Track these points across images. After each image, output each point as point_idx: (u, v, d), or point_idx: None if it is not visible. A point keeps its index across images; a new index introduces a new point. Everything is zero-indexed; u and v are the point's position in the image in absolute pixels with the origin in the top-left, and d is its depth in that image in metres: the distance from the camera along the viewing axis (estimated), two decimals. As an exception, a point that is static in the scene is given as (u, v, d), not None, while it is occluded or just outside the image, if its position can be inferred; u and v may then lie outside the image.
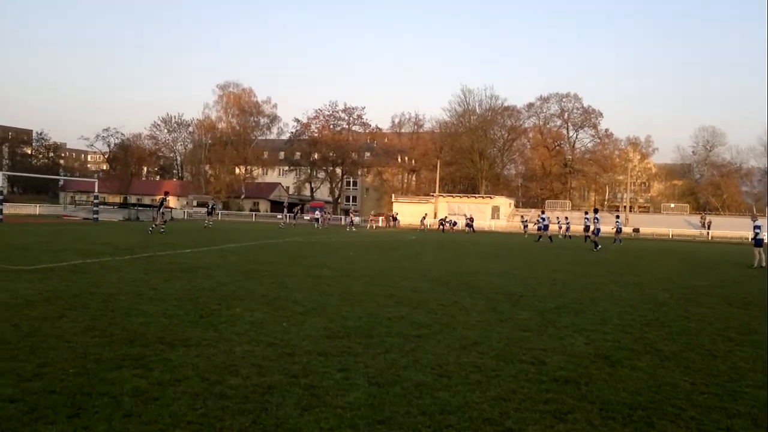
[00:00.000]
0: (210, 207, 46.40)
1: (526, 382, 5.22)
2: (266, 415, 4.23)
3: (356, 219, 66.97)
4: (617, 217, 41.48)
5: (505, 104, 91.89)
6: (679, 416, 4.49)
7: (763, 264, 18.75)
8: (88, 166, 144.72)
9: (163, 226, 28.58)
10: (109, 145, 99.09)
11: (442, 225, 56.13)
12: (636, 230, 64.82)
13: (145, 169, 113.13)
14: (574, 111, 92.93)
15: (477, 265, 16.47)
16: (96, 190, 44.09)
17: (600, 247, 27.06)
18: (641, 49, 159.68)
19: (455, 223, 58.95)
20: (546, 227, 36.19)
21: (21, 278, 10.24)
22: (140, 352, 5.77)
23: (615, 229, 37.53)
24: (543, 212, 40.29)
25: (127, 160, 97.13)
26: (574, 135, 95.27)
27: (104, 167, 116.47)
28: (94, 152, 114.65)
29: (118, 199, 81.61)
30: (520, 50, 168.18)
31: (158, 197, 34.03)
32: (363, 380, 5.12)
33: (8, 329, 6.47)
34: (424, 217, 58.72)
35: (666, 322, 8.35)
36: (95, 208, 42.37)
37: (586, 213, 30.42)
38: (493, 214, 70.27)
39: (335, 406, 4.46)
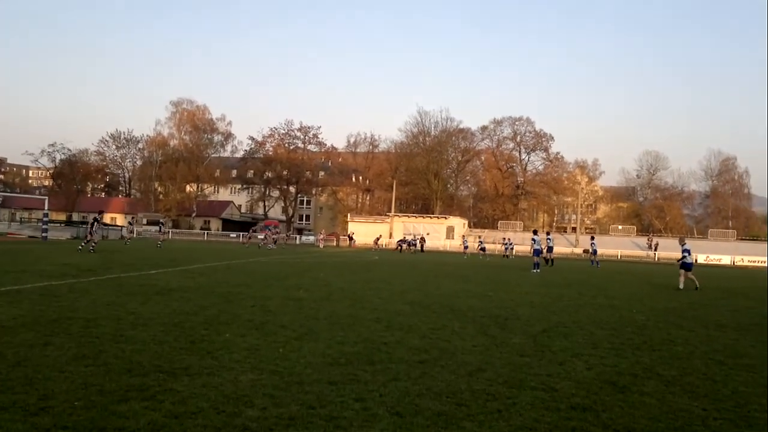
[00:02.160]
0: (160, 225, 45.65)
1: (545, 411, 5.20)
2: (298, 449, 4.09)
3: (311, 238, 66.68)
4: (592, 238, 42.30)
5: (460, 126, 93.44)
6: (704, 443, 4.54)
7: (681, 286, 19.03)
8: (30, 182, 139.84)
9: (93, 245, 27.65)
10: (54, 161, 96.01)
11: (400, 246, 56.30)
12: (586, 251, 66.32)
13: (91, 185, 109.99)
14: (527, 134, 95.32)
15: (451, 287, 16.49)
16: (46, 208, 42.45)
17: (538, 270, 27.03)
18: (591, 75, 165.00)
19: (414, 244, 58.82)
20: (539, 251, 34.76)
21: (-11, 302, 9.72)
22: (143, 382, 5.51)
23: (591, 252, 38.39)
24: (548, 233, 41.05)
25: (74, 177, 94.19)
26: (526, 157, 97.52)
27: (47, 183, 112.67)
28: (38, 168, 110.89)
29: (63, 217, 78.88)
30: (475, 73, 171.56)
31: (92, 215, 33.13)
32: (383, 410, 5.01)
33: (-7, 358, 6.10)
34: (378, 238, 58.94)
35: (654, 346, 8.50)
36: (44, 226, 40.81)
37: (534, 234, 29.85)
38: (447, 234, 70.83)
39: (365, 438, 4.34)
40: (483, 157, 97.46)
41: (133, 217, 58.30)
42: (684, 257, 19.81)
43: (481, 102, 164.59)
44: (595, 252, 38.49)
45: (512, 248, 49.88)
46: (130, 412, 4.65)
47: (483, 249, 46.51)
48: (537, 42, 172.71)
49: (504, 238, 51.55)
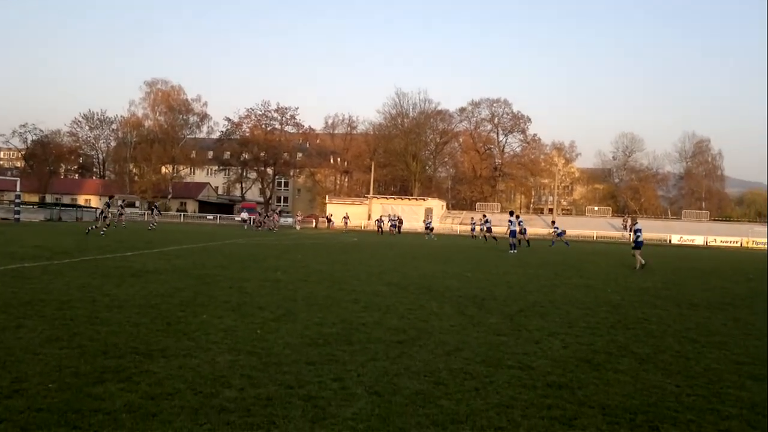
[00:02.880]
0: (153, 208, 44.49)
1: (521, 388, 5.26)
2: (276, 429, 4.08)
3: (290, 220, 66.21)
4: (553, 222, 42.67)
5: (438, 108, 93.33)
6: (677, 419, 4.62)
7: (640, 264, 19.31)
8: (1, 163, 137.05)
9: (104, 229, 27.69)
10: (26, 142, 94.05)
11: (380, 224, 55.84)
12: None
13: (64, 167, 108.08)
14: (504, 116, 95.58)
15: (428, 268, 16.56)
16: (18, 189, 41.66)
17: (515, 251, 27.14)
18: (566, 56, 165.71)
19: (394, 225, 57.30)
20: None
21: (-41, 284, 9.54)
22: (118, 363, 5.45)
23: (554, 233, 38.58)
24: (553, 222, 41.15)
25: (46, 158, 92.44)
26: (504, 139, 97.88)
27: (19, 164, 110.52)
28: (9, 149, 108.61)
29: (36, 198, 77.51)
30: (453, 55, 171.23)
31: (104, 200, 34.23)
32: (361, 390, 5.02)
33: (-36, 341, 5.99)
34: (346, 217, 58.67)
35: (629, 325, 8.63)
36: (17, 208, 40.08)
37: (511, 215, 29.63)
38: (426, 215, 70.99)
39: (343, 417, 4.34)
40: (461, 139, 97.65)
41: (123, 200, 56.62)
42: (637, 237, 20.19)
43: (459, 84, 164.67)
44: (561, 234, 38.92)
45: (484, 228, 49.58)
46: (105, 394, 4.60)
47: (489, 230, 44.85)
48: (516, 24, 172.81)
49: (472, 218, 51.67)
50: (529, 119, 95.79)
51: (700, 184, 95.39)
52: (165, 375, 5.18)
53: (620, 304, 10.73)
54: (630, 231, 19.53)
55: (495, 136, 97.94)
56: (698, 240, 65.46)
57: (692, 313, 9.99)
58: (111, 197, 34.89)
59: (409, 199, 76.18)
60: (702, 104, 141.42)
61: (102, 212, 29.22)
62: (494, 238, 37.47)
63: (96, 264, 13.79)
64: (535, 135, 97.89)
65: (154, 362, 5.57)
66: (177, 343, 6.39)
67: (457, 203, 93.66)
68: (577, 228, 68.80)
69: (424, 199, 75.53)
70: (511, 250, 26.83)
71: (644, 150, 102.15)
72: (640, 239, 20.19)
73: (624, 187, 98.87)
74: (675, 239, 65.30)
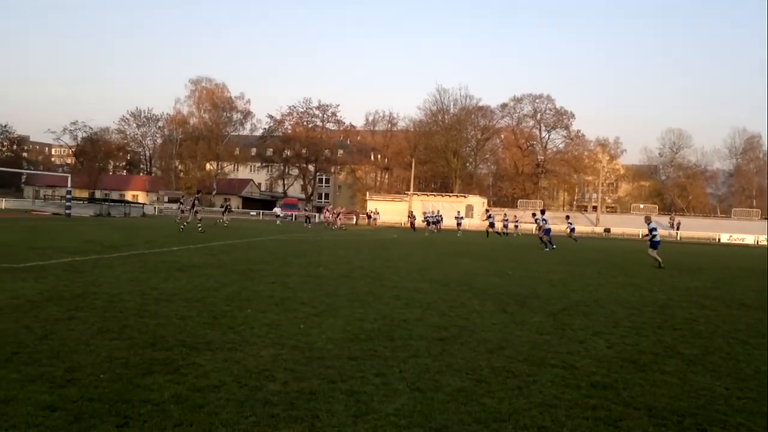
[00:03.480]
0: (227, 207, 43.06)
1: (565, 388, 5.20)
2: (320, 422, 4.13)
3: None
4: (567, 217, 41.74)
5: (479, 104, 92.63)
6: (727, 422, 4.51)
7: (661, 263, 18.84)
8: (53, 159, 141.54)
9: (186, 223, 29.42)
10: (76, 139, 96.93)
11: (428, 221, 52.37)
12: (607, 230, 65.89)
13: (113, 163, 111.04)
14: (547, 112, 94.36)
15: (470, 265, 16.47)
16: (69, 185, 43.00)
17: (555, 246, 26.71)
18: (612, 51, 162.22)
19: (437, 222, 51.13)
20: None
21: (17, 277, 9.90)
22: (166, 356, 5.59)
23: (568, 230, 37.43)
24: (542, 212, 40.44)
25: (96, 155, 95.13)
26: (546, 135, 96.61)
27: (69, 161, 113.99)
28: (60, 146, 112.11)
29: (85, 194, 79.83)
30: (495, 51, 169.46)
31: (189, 195, 35.40)
32: (403, 386, 5.04)
33: (21, 331, 6.23)
34: (371, 213, 57.48)
35: (676, 325, 8.44)
36: (68, 204, 41.35)
37: (534, 214, 29.02)
38: (467, 212, 70.57)
39: (385, 413, 4.37)
40: (503, 135, 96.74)
41: (197, 196, 55.94)
42: (653, 236, 19.60)
43: (500, 79, 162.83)
44: (572, 230, 38.09)
45: (509, 225, 48.59)
46: (154, 385, 4.73)
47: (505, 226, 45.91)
48: (558, 18, 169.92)
49: (505, 215, 50.77)
50: (573, 115, 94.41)
51: (750, 182, 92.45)
52: (211, 368, 5.30)
53: (667, 304, 10.49)
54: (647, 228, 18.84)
55: (537, 132, 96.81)
56: (749, 239, 63.48)
57: (742, 314, 9.70)
58: (199, 192, 36.28)
59: (449, 195, 75.85)
60: (752, 99, 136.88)
61: (193, 207, 30.43)
62: (497, 233, 37.04)
63: (144, 258, 14.15)
64: (578, 131, 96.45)
65: (200, 355, 5.70)
66: (223, 336, 6.52)
67: (498, 200, 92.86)
68: (621, 226, 67.50)
69: (464, 196, 75.09)
70: (546, 248, 26.50)
71: (692, 146, 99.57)
72: (656, 238, 19.60)
73: (671, 185, 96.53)
74: (724, 238, 63.47)
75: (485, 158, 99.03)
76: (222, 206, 41.88)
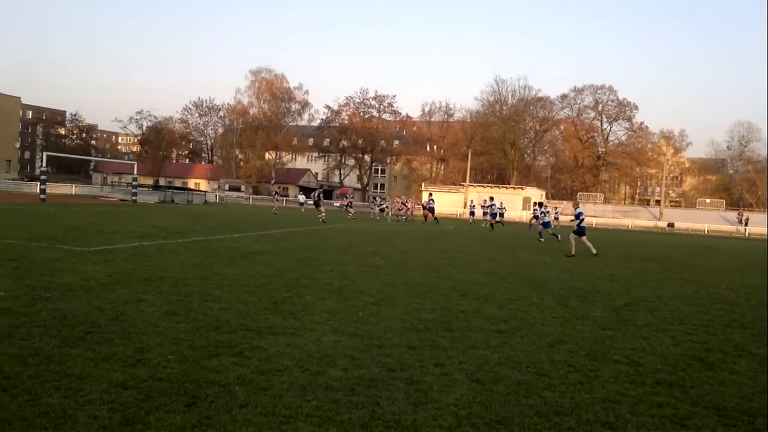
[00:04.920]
0: (317, 195, 36.27)
1: (629, 384, 5.08)
2: (380, 409, 4.16)
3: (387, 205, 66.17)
4: (555, 208, 40.17)
5: (539, 95, 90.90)
6: (802, 426, 4.32)
7: (573, 252, 17.86)
8: (119, 147, 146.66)
9: (324, 216, 31.22)
10: (141, 128, 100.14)
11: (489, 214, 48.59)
12: (671, 225, 63.78)
13: (176, 152, 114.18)
14: (609, 103, 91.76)
15: (528, 258, 16.25)
16: (135, 173, 44.55)
17: (559, 238, 25.03)
18: (678, 41, 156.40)
19: (496, 214, 42.76)
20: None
21: (87, 260, 10.33)
22: (230, 339, 5.74)
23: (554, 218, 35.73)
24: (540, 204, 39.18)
25: (160, 143, 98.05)
26: (608, 127, 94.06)
27: (134, 149, 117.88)
28: (126, 134, 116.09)
29: (150, 181, 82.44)
30: (554, 40, 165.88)
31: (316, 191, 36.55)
32: (462, 376, 5.03)
33: (93, 312, 6.50)
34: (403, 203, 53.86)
35: (746, 324, 8.13)
36: (134, 190, 42.86)
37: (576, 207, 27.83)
38: (524, 205, 69.58)
39: (445, 402, 4.37)
40: (562, 127, 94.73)
41: (280, 188, 54.60)
42: (579, 221, 18.56)
43: (561, 70, 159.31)
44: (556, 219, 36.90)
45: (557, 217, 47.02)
46: (220, 367, 4.86)
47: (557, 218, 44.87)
48: (620, 7, 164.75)
49: (556, 208, 49.37)
50: (636, 106, 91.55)
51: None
52: (274, 351, 5.41)
53: (736, 302, 10.11)
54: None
55: (598, 123, 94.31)
56: (824, 237, 60.25)
57: (819, 315, 9.25)
58: (321, 187, 37.71)
59: (506, 187, 74.90)
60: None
61: (317, 202, 32.83)
62: (500, 223, 35.91)
63: (207, 244, 14.54)
64: (642, 123, 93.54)
65: (263, 339, 5.83)
66: (284, 321, 6.64)
67: (557, 193, 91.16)
68: (686, 221, 65.24)
69: (522, 188, 74.02)
70: (541, 239, 25.54)
71: (762, 139, 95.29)
72: (582, 225, 18.48)
73: (739, 179, 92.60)
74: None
75: (544, 150, 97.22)
76: (314, 196, 38.66)
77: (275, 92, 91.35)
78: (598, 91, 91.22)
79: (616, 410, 4.44)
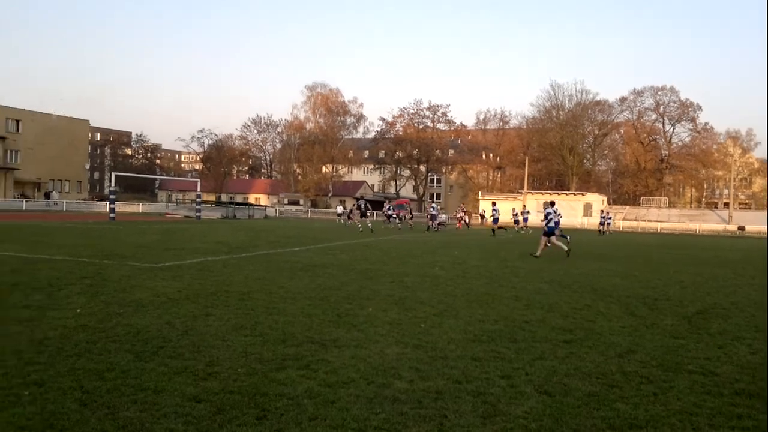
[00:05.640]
0: (362, 205, 34.62)
1: (706, 395, 4.90)
2: (448, 422, 4.14)
3: (443, 216, 65.89)
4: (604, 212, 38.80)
5: (597, 98, 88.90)
6: None
7: (538, 253, 17.88)
8: (182, 165, 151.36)
9: (400, 226, 34.48)
10: (203, 146, 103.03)
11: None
12: (741, 228, 61.15)
13: (236, 168, 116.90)
14: (671, 104, 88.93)
15: (592, 266, 15.86)
16: (198, 190, 45.83)
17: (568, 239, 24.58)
18: (743, 38, 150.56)
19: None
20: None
21: (156, 276, 10.68)
22: (297, 351, 5.82)
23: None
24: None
25: (221, 160, 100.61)
26: (671, 129, 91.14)
27: (197, 167, 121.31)
28: (188, 152, 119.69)
29: (212, 198, 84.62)
30: (611, 43, 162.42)
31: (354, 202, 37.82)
32: (530, 389, 4.95)
33: (164, 327, 6.71)
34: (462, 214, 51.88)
35: (830, 332, 7.70)
36: (198, 207, 44.09)
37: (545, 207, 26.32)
38: (585, 211, 68.14)
39: (514, 415, 4.31)
40: (622, 130, 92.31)
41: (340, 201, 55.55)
42: (548, 221, 18.26)
43: (618, 72, 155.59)
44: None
45: (610, 223, 45.38)
46: (287, 380, 4.94)
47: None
48: (679, 5, 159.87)
49: (602, 211, 47.58)
50: (699, 107, 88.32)
51: None
52: (339, 364, 5.46)
53: (818, 309, 9.59)
54: None
55: (660, 126, 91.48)
56: None
57: None
58: (389, 200, 38.71)
59: (566, 194, 73.46)
60: None
61: (363, 212, 33.01)
62: (503, 228, 34.47)
63: (269, 258, 14.81)
64: (706, 123, 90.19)
65: (328, 351, 5.89)
66: (347, 334, 6.69)
67: (618, 198, 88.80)
68: (757, 224, 62.42)
69: (582, 194, 72.46)
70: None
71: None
72: (550, 224, 18.16)
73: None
74: None
75: (604, 154, 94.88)
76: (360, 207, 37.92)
77: (330, 106, 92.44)
78: (659, 93, 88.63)
79: (694, 422, 4.28)
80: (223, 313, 7.61)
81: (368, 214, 32.91)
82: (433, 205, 38.70)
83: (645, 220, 65.03)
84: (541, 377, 5.28)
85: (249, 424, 3.98)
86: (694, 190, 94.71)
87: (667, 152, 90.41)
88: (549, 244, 18.10)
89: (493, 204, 37.22)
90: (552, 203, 26.52)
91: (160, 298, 8.48)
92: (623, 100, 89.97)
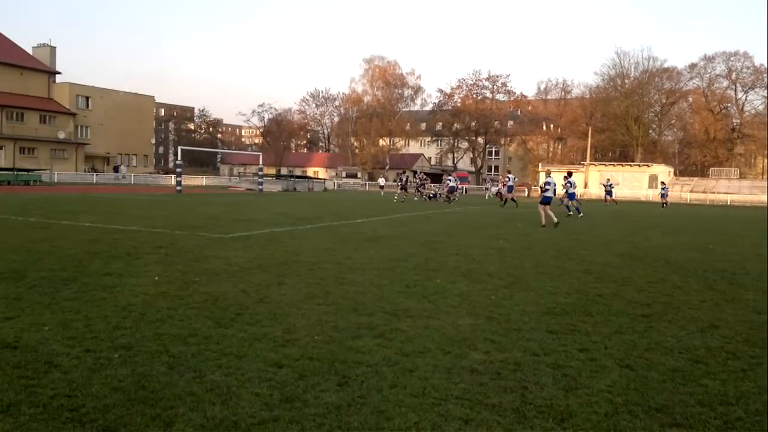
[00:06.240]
0: (404, 179, 37.39)
1: (800, 373, 4.68)
2: (530, 394, 4.09)
3: (494, 189, 64.90)
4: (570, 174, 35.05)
5: (664, 66, 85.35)
6: None
7: (544, 222, 17.79)
8: (243, 140, 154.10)
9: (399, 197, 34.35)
10: (263, 120, 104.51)
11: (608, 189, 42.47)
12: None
13: (295, 142, 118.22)
14: (744, 71, 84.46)
15: (661, 239, 15.38)
16: (261, 163, 46.63)
17: (582, 215, 24.23)
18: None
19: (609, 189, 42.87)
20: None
21: (227, 246, 10.94)
22: (370, 321, 5.86)
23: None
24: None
25: (280, 134, 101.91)
26: (743, 97, 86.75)
27: (257, 141, 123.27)
28: (249, 126, 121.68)
29: (272, 171, 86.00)
30: (679, 4, 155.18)
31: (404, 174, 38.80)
32: (611, 362, 4.84)
33: (240, 295, 6.86)
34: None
35: None
36: (260, 180, 44.90)
37: (565, 177, 24.95)
38: (650, 183, 65.98)
39: (597, 389, 4.22)
40: (691, 99, 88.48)
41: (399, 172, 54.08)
42: (545, 191, 18.34)
43: (687, 37, 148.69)
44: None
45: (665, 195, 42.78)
46: (364, 348, 4.98)
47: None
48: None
49: (662, 183, 45.10)
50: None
51: None
52: (413, 334, 5.47)
53: None
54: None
55: (732, 93, 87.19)
56: None
57: None
58: (416, 172, 39.20)
59: (630, 165, 71.28)
60: None
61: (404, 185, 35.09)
62: (512, 200, 32.70)
63: (333, 230, 14.97)
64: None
65: (401, 321, 5.91)
66: (418, 304, 6.70)
67: (685, 169, 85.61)
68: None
69: (648, 165, 70.11)
70: (570, 212, 24.31)
71: None
72: (548, 193, 18.23)
73: None
74: None
75: (671, 124, 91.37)
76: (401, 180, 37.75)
77: (388, 79, 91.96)
78: (731, 58, 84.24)
79: (789, 401, 4.09)
80: (294, 282, 7.73)
81: (412, 187, 32.88)
82: (450, 177, 38.33)
83: (714, 192, 62.47)
84: (621, 351, 5.15)
85: (331, 390, 4.04)
86: (766, 160, 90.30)
87: (738, 121, 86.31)
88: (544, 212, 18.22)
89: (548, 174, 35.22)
90: (570, 173, 25.66)
91: (233, 267, 8.68)
92: (693, 66, 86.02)
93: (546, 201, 18.27)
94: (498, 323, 5.98)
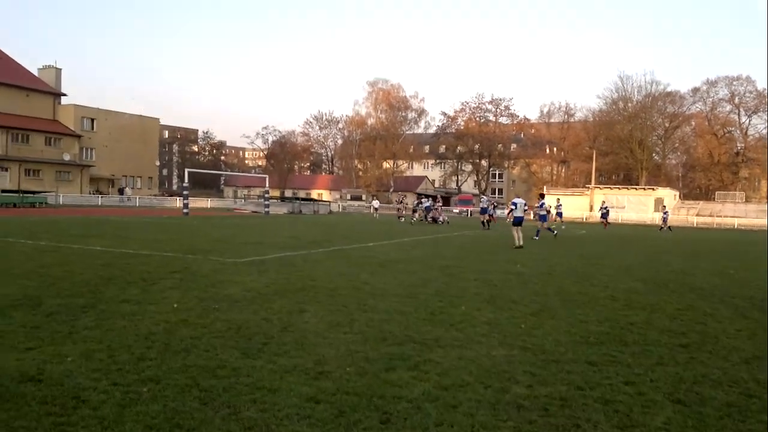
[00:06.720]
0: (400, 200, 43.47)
1: None
2: (583, 432, 3.87)
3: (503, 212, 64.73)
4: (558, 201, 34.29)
5: (667, 89, 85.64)
6: None
7: (520, 243, 18.13)
8: (246, 162, 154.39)
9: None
10: (267, 142, 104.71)
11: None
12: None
13: (298, 164, 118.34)
14: (747, 95, 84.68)
15: (681, 264, 15.14)
16: (267, 186, 46.49)
17: (555, 233, 25.68)
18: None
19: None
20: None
21: (242, 271, 10.73)
22: (401, 351, 5.65)
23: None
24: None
25: (284, 156, 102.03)
26: (747, 121, 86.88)
27: (260, 163, 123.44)
28: (253, 149, 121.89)
29: (276, 193, 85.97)
30: (683, 30, 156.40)
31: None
32: (660, 396, 4.62)
33: (262, 323, 6.65)
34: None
35: None
36: (266, 202, 44.70)
37: (539, 198, 24.86)
38: (656, 206, 65.72)
39: (654, 427, 4.01)
40: (694, 122, 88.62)
41: (400, 195, 54.97)
42: (512, 210, 19.25)
43: (690, 62, 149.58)
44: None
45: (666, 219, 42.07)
46: (400, 381, 4.76)
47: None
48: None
49: (664, 207, 44.40)
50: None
51: None
52: (448, 365, 5.25)
53: None
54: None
55: (736, 117, 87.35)
56: None
57: None
58: (435, 197, 39.03)
59: (635, 188, 71.09)
60: None
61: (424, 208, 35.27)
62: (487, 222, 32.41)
63: (345, 253, 14.75)
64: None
65: (432, 352, 5.69)
66: (447, 333, 6.48)
67: (689, 192, 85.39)
68: None
69: (653, 189, 69.92)
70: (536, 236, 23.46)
71: None
72: (517, 213, 18.81)
73: None
74: None
75: (674, 147, 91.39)
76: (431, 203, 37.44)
77: (392, 102, 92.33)
78: (734, 83, 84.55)
79: None
80: (316, 309, 7.51)
81: (408, 209, 33.09)
82: (423, 199, 39.36)
83: (721, 215, 62.19)
84: (668, 384, 4.93)
85: (374, 428, 3.82)
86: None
87: (743, 145, 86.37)
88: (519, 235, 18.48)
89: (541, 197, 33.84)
90: (542, 195, 25.46)
91: (251, 293, 8.47)
92: (695, 90, 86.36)
93: (517, 222, 18.84)
94: (534, 354, 5.76)
